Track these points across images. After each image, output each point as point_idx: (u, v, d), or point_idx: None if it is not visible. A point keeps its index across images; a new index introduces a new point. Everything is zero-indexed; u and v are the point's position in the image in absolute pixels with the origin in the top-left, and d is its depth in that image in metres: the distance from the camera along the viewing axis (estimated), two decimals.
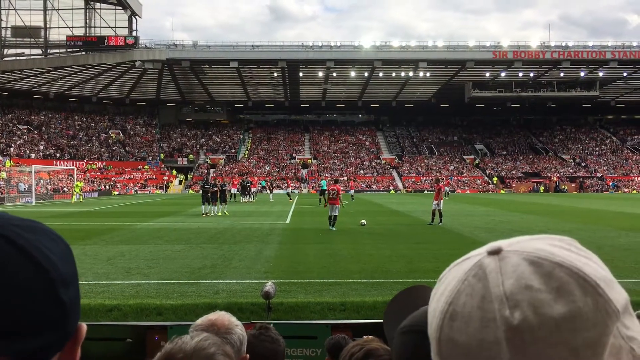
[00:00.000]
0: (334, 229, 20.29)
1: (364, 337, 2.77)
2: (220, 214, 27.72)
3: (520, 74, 71.05)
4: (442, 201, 22.73)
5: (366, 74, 70.44)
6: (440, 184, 24.19)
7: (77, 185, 45.51)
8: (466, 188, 69.82)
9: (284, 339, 5.06)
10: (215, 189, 28.40)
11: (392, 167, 77.19)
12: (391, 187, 69.93)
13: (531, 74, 71.59)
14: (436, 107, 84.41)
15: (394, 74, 70.52)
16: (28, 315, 0.65)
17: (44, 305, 0.67)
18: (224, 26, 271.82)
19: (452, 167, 76.46)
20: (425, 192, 67.30)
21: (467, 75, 71.12)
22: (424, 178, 72.77)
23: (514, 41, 66.30)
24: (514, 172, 75.48)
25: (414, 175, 74.49)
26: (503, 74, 70.88)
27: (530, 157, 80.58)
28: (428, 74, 69.62)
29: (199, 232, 19.44)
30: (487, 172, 75.43)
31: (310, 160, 77.97)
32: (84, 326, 0.76)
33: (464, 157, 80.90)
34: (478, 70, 69.17)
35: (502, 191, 68.16)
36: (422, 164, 77.63)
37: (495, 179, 72.24)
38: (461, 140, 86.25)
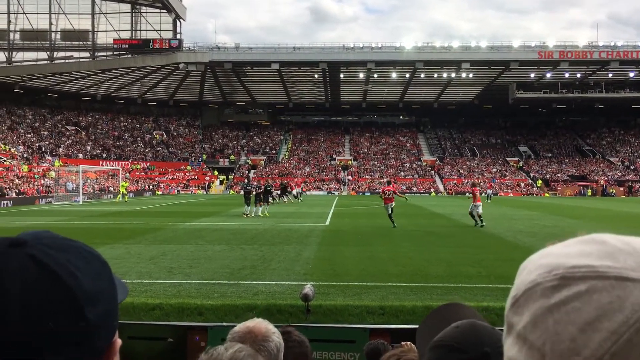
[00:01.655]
0: (395, 226, 21.81)
1: (402, 343, 2.75)
2: (261, 214, 27.89)
3: (567, 75, 69.31)
4: (479, 204, 22.96)
5: (407, 75, 69.94)
6: (475, 188, 24.24)
7: (122, 186, 46.64)
8: (509, 191, 68.54)
9: (322, 342, 5.07)
10: (259, 190, 28.60)
11: (433, 169, 76.41)
12: (432, 190, 69.22)
13: (578, 75, 69.78)
14: (479, 108, 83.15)
15: (435, 75, 69.81)
16: (46, 332, 0.66)
17: (65, 323, 0.68)
18: (264, 28, 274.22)
19: (494, 170, 75.19)
20: (467, 194, 66.36)
21: (511, 76, 69.81)
22: (466, 180, 71.80)
23: (559, 41, 64.75)
24: (559, 175, 73.70)
25: (456, 177, 73.54)
26: (549, 75, 69.28)
27: (577, 159, 78.54)
28: (471, 75, 68.67)
29: (239, 233, 19.63)
30: (531, 174, 73.87)
31: (350, 162, 77.86)
32: (118, 341, 0.77)
33: (507, 159, 79.43)
34: (523, 71, 67.82)
35: (546, 194, 66.63)
36: (464, 166, 76.58)
37: (539, 182, 70.67)
38: (504, 142, 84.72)
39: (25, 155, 56.24)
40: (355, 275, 11.54)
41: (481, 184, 69.96)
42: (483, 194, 59.87)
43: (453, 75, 68.82)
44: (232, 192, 64.88)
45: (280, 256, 14.14)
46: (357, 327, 5.49)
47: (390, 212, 22.44)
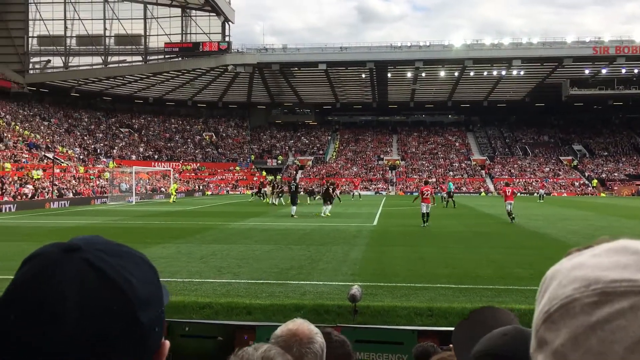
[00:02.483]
0: (427, 224, 22.26)
1: (451, 345, 2.72)
2: (326, 214, 27.80)
3: (624, 71, 66.83)
4: (511, 202, 24.47)
5: (456, 74, 68.93)
6: (505, 187, 25.87)
7: (173, 187, 47.71)
8: (563, 191, 66.63)
9: (370, 343, 5.04)
10: (310, 189, 28.98)
11: (483, 168, 75.04)
12: (482, 189, 68.01)
13: (636, 70, 67.17)
14: (530, 106, 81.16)
15: (485, 73, 68.55)
16: (108, 337, 0.68)
17: (122, 326, 0.70)
18: (311, 29, 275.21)
19: (547, 169, 73.23)
20: (518, 194, 64.95)
21: (564, 73, 67.84)
22: (517, 180, 70.24)
23: (615, 36, 62.55)
24: (615, 174, 71.16)
25: (506, 177, 72.03)
26: (604, 71, 66.99)
27: (635, 158, 75.62)
28: (522, 72, 67.08)
29: (287, 233, 19.75)
30: (586, 174, 71.59)
31: (398, 162, 77.32)
32: (167, 343, 0.80)
33: (561, 158, 77.21)
34: (576, 67, 65.80)
35: (602, 194, 64.46)
36: (515, 166, 74.90)
37: (595, 181, 68.42)
38: (557, 141, 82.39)
39: (81, 157, 58.18)
40: (403, 276, 11.46)
41: (533, 183, 68.30)
42: (535, 194, 58.60)
43: (503, 72, 67.40)
44: (247, 192, 60.41)
45: (328, 256, 14.16)
46: (405, 328, 5.45)
47: (426, 210, 22.78)
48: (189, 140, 79.60)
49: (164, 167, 63.67)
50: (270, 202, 39.73)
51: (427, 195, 23.17)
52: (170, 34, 67.38)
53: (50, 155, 50.47)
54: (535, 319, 0.57)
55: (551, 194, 63.62)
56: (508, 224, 23.68)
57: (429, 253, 14.82)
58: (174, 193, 46.63)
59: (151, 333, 0.74)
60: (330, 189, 29.39)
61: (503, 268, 12.28)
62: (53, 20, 66.53)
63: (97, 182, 48.93)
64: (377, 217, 27.77)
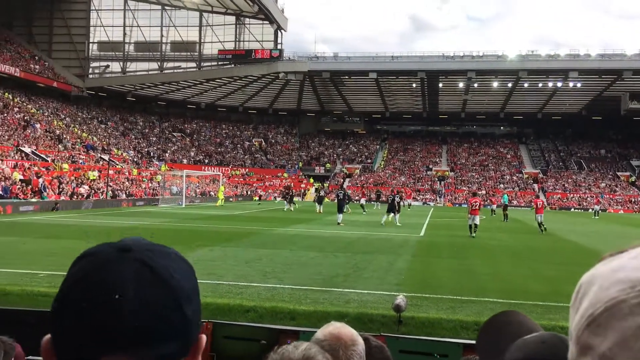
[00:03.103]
0: (474, 235, 22.31)
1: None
2: (397, 223, 27.91)
3: None
4: (541, 214, 26.23)
5: (510, 85, 67.62)
6: (537, 200, 27.94)
7: (220, 190, 48.44)
8: (619, 207, 64.28)
9: (414, 354, 4.94)
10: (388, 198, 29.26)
11: (536, 182, 73.19)
12: (533, 204, 66.27)
13: None
14: (587, 119, 78.70)
15: (540, 85, 66.98)
16: (160, 327, 0.77)
17: (172, 319, 0.79)
18: (363, 37, 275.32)
19: (603, 184, 70.80)
20: (572, 209, 63.07)
21: (623, 86, 65.59)
22: (571, 195, 68.24)
23: None
24: None
25: (560, 191, 70.05)
26: None
27: None
28: (579, 85, 65.24)
29: (333, 241, 19.72)
30: None
31: (447, 173, 76.30)
32: (204, 337, 0.88)
33: (618, 173, 74.53)
34: (636, 80, 63.52)
35: None
36: (570, 180, 72.75)
37: None
38: (615, 156, 79.60)
39: (135, 160, 59.79)
40: (450, 288, 11.24)
41: (588, 199, 66.16)
42: (590, 209, 56.73)
43: (559, 84, 65.71)
44: (326, 199, 60.26)
45: (373, 265, 14.05)
46: (451, 341, 5.32)
47: (475, 222, 22.92)
48: (239, 145, 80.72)
49: (213, 171, 64.74)
50: (287, 208, 40.31)
51: (476, 206, 23.24)
52: (224, 41, 68.66)
53: (106, 157, 52.05)
54: (576, 324, 0.55)
55: (607, 210, 61.48)
56: (560, 239, 23.00)
57: (477, 266, 14.51)
58: (222, 197, 47.36)
59: (193, 325, 0.83)
60: (397, 199, 29.38)
61: (554, 284, 11.89)
62: (113, 26, 68.84)
63: (150, 185, 50.12)
64: (424, 227, 27.43)
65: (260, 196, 50.87)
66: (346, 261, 14.55)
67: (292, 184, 64.36)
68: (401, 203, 31.15)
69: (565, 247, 20.03)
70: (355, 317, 8.49)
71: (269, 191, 68.03)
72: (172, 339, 0.79)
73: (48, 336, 0.81)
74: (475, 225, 22.90)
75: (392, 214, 28.54)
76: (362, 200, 45.13)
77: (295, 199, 46.86)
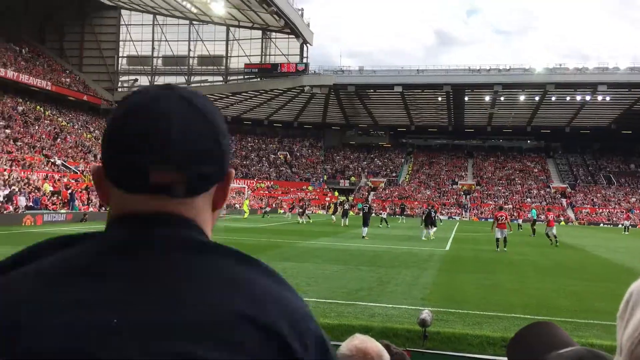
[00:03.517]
0: (505, 249, 22.41)
1: None
2: (429, 237, 27.84)
3: None
4: (554, 227, 26.95)
5: (537, 98, 66.92)
6: (549, 212, 29.01)
7: (245, 204, 48.67)
8: None
9: None
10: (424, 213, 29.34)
11: (564, 196, 72.07)
12: (562, 218, 65.28)
13: None
14: (616, 133, 77.36)
15: (568, 98, 66.15)
16: (202, 152, 0.88)
17: (211, 146, 0.90)
18: (388, 51, 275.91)
19: (633, 199, 69.38)
20: (602, 225, 61.90)
21: None
22: (600, 210, 67.00)
23: None
24: None
25: (589, 206, 68.84)
26: None
27: None
28: (608, 98, 64.26)
29: (358, 254, 19.65)
30: None
31: (473, 186, 75.60)
32: (232, 171, 0.98)
33: None
34: None
35: None
36: (599, 195, 71.47)
37: None
38: None
39: None
40: (476, 303, 11.11)
41: (617, 214, 64.86)
42: (620, 225, 55.56)
43: (588, 98, 64.80)
44: (350, 213, 47.80)
45: (398, 279, 13.97)
46: (477, 357, 5.27)
47: (502, 236, 22.97)
48: (264, 158, 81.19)
49: (238, 184, 65.16)
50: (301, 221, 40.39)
51: (502, 220, 23.23)
52: (250, 55, 69.39)
53: None
54: (629, 337, 0.50)
55: (637, 225, 60.19)
56: (589, 254, 22.60)
57: (504, 281, 14.33)
58: (247, 209, 47.58)
59: (226, 155, 0.94)
60: (432, 212, 29.37)
61: (584, 301, 11.69)
62: (142, 41, 70.13)
63: None
64: (450, 242, 27.18)
65: (265, 211, 51.09)
66: (371, 275, 14.49)
67: (306, 196, 64.51)
68: (436, 216, 30.96)
69: (594, 263, 19.66)
70: (380, 331, 8.44)
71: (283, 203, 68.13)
72: (212, 163, 0.90)
73: (98, 163, 0.94)
74: (505, 239, 22.91)
75: (430, 228, 28.50)
76: (384, 214, 44.98)
77: (308, 211, 47.11)
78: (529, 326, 1.19)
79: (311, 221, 41.45)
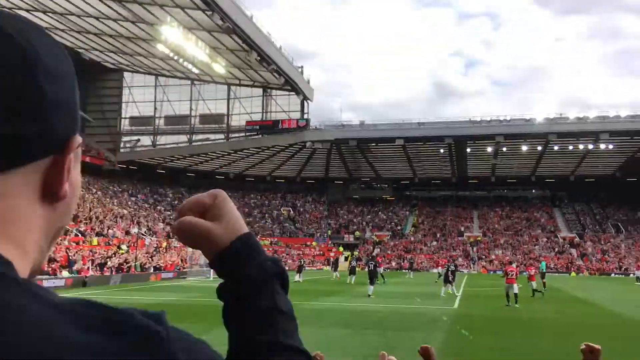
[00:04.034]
0: (517, 305, 22.30)
1: None
2: (448, 294, 27.57)
3: None
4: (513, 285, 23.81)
5: (539, 148, 66.83)
6: (508, 267, 25.64)
7: None
8: None
9: None
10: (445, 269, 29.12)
11: (572, 246, 70.99)
12: (572, 269, 64.03)
13: None
14: (622, 181, 76.89)
15: (571, 147, 66.04)
16: (7, 98, 0.60)
17: (24, 92, 0.61)
18: (388, 104, 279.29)
19: None
20: (613, 275, 60.63)
21: None
22: (611, 259, 65.80)
23: None
24: None
25: (600, 255, 67.68)
26: None
27: None
28: (611, 146, 64.07)
29: (363, 315, 18.91)
30: None
31: (479, 238, 74.67)
32: (78, 137, 0.70)
33: None
34: None
35: None
36: (608, 244, 70.37)
37: None
38: None
39: (165, 233, 59.95)
40: None
41: (628, 261, 63.59)
42: (631, 275, 54.25)
43: (590, 147, 64.67)
44: (325, 268, 47.11)
45: (405, 344, 13.22)
46: None
47: (513, 291, 22.84)
48: (267, 214, 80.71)
49: None
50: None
51: (512, 275, 23.36)
52: (251, 112, 69.98)
53: (135, 230, 52.30)
54: None
55: None
56: (606, 312, 21.75)
57: (516, 345, 13.56)
58: None
59: (59, 110, 0.66)
60: (452, 268, 29.30)
61: None
62: (144, 102, 70.95)
63: (177, 258, 49.90)
64: (459, 298, 26.31)
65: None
66: (377, 339, 13.78)
67: (301, 253, 63.73)
68: (456, 272, 30.24)
69: (610, 322, 18.76)
70: None
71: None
72: (27, 120, 0.61)
73: None
74: (515, 294, 22.78)
75: (450, 285, 27.99)
76: (380, 269, 41.72)
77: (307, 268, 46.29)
78: None
79: (301, 281, 40.23)
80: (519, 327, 16.53)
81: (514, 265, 26.88)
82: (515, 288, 22.95)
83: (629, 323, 17.93)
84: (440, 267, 42.76)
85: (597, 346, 2.58)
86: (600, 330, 16.13)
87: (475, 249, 71.47)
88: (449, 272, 28.29)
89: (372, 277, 27.98)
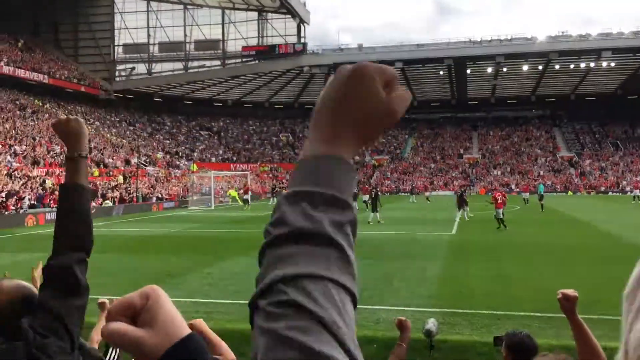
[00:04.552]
0: (502, 227, 23.41)
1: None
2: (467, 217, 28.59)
3: None
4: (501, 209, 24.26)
5: (540, 67, 65.89)
6: (496, 193, 26.73)
7: (231, 193, 47.93)
8: None
9: None
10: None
11: (571, 165, 71.41)
12: (570, 189, 64.70)
13: None
14: (623, 99, 76.33)
15: (572, 66, 65.11)
16: None
17: None
18: (387, 24, 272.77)
19: None
20: (610, 193, 61.31)
21: None
22: (608, 175, 66.31)
23: None
24: None
25: (597, 174, 68.21)
26: None
27: None
28: (612, 64, 63.14)
29: (362, 243, 19.23)
30: None
31: (478, 159, 74.98)
32: None
33: None
34: None
35: None
36: (607, 162, 70.73)
37: None
38: None
39: (165, 161, 60.14)
40: (483, 300, 10.75)
41: (627, 180, 64.16)
42: (629, 193, 54.89)
43: (592, 65, 63.75)
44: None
45: (403, 273, 13.65)
46: None
47: (501, 216, 23.83)
48: (266, 141, 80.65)
49: (242, 168, 64.76)
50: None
51: (500, 200, 24.17)
52: (247, 38, 68.50)
53: (135, 159, 52.35)
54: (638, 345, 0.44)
55: None
56: (602, 233, 22.19)
57: (512, 271, 13.95)
58: (238, 198, 46.70)
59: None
60: (464, 193, 30.99)
61: (596, 291, 11.12)
62: (137, 28, 69.29)
63: (178, 187, 50.25)
64: (457, 223, 26.74)
65: (245, 200, 43.46)
66: (375, 269, 14.10)
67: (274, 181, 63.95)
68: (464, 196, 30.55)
69: (606, 243, 19.11)
70: (384, 342, 8.08)
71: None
72: None
73: None
74: (500, 219, 23.75)
75: (463, 209, 28.65)
76: (365, 197, 37.65)
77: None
78: None
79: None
80: (515, 253, 16.91)
81: (503, 191, 27.65)
82: (500, 213, 23.77)
83: (623, 245, 18.25)
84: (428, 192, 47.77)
85: (572, 293, 2.67)
86: (594, 253, 16.50)
87: (474, 170, 71.91)
88: (462, 197, 29.03)
89: (374, 205, 28.01)
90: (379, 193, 31.35)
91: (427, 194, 52.26)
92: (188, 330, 0.76)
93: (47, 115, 54.75)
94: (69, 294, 1.74)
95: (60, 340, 1.63)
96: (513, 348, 3.05)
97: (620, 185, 63.10)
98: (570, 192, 62.96)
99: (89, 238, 1.90)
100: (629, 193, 55.22)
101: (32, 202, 32.68)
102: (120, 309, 0.76)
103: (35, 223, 29.15)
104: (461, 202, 28.59)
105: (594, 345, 2.53)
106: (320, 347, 0.60)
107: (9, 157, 40.05)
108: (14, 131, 46.47)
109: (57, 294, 1.71)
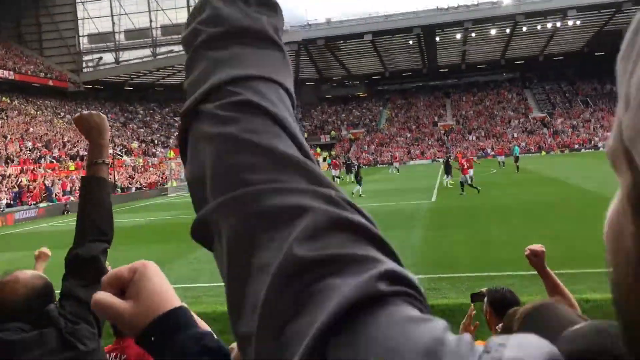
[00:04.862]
0: (478, 188, 23.99)
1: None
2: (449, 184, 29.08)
3: None
4: (468, 175, 24.91)
5: (508, 30, 66.33)
6: (460, 157, 27.82)
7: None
8: None
9: None
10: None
11: (544, 125, 72.44)
12: (543, 148, 65.73)
13: None
14: (590, 56, 77.31)
15: (539, 27, 65.65)
16: None
17: None
18: None
19: (613, 120, 69.78)
20: (583, 150, 62.41)
21: (624, 19, 64.04)
22: (581, 134, 67.49)
23: None
24: None
25: (570, 131, 69.32)
26: None
27: None
28: (578, 22, 63.81)
29: None
30: None
31: (453, 126, 75.62)
32: None
33: None
34: (637, 11, 61.94)
35: None
36: (578, 120, 71.87)
37: None
38: None
39: (141, 150, 59.65)
40: (467, 264, 11.06)
41: (599, 135, 65.35)
42: (601, 149, 55.98)
43: (558, 24, 64.37)
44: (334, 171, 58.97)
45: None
46: None
47: (469, 182, 24.36)
48: None
49: None
50: None
51: (467, 166, 24.75)
52: None
53: (110, 151, 51.77)
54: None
55: None
56: (576, 189, 22.72)
57: (492, 233, 14.29)
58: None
59: None
60: (449, 160, 31.29)
61: (572, 247, 11.55)
62: (101, 17, 67.89)
63: (156, 175, 50.02)
64: (436, 190, 27.15)
65: None
66: None
67: None
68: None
69: (579, 199, 19.61)
70: None
71: None
72: None
73: None
74: (461, 183, 24.46)
75: (448, 176, 29.34)
76: (334, 172, 38.87)
77: None
78: (529, 312, 1.15)
79: None
80: (494, 215, 17.29)
81: (465, 158, 27.74)
82: (467, 179, 24.44)
83: (595, 199, 18.72)
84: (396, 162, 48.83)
85: (540, 248, 2.83)
86: (571, 210, 16.95)
87: (449, 137, 72.55)
88: (447, 163, 30.00)
89: (358, 176, 28.37)
90: (361, 166, 31.68)
91: (395, 164, 50.62)
92: (175, 304, 0.76)
93: (17, 112, 53.78)
94: (94, 283, 1.81)
95: (90, 326, 1.76)
96: (495, 304, 3.16)
97: (593, 142, 64.25)
98: (543, 152, 63.95)
99: (111, 229, 2.02)
100: (601, 149, 56.26)
101: (9, 201, 32.28)
102: (110, 281, 0.78)
103: (2, 224, 27.56)
104: (448, 168, 29.24)
105: (566, 295, 2.69)
106: (285, 149, 0.56)
107: None
108: None
109: (84, 282, 1.81)
